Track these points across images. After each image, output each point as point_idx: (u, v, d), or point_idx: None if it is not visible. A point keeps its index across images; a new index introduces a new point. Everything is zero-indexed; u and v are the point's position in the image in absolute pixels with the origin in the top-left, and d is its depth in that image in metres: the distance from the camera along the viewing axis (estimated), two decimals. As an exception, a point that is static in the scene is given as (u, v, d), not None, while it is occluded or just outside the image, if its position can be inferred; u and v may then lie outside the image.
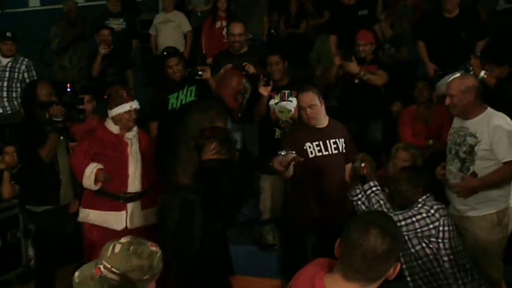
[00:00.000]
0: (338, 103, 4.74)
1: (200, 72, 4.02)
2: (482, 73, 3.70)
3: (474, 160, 3.01)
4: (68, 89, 4.07)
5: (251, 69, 4.10)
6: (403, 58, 5.72)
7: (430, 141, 4.20)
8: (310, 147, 3.40)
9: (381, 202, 2.89)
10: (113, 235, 2.94)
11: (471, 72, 3.96)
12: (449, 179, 3.15)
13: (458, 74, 4.11)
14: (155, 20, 6.09)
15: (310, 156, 3.40)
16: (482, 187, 3.01)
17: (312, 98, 3.36)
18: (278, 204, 3.98)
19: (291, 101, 4.04)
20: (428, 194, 2.93)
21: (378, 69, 4.43)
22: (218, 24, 5.65)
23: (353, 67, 4.25)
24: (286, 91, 4.06)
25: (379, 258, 1.43)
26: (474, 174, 3.03)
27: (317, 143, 3.41)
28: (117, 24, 5.88)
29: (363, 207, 3.03)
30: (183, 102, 4.13)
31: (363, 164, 2.99)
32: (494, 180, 2.99)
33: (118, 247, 1.69)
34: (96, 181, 3.24)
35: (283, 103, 4.05)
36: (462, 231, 3.11)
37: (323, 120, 3.48)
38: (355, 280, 1.46)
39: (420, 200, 2.90)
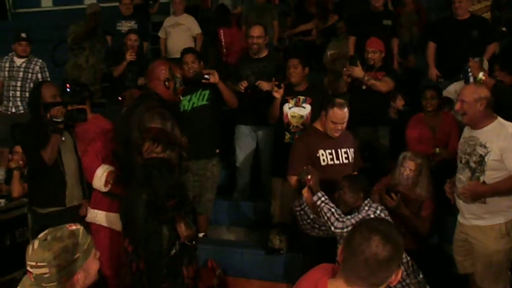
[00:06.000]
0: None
1: (206, 76, 4.01)
2: (481, 74, 3.70)
3: (484, 170, 3.00)
4: (68, 89, 4.10)
5: (264, 86, 4.19)
6: (411, 66, 5.72)
7: (437, 149, 4.19)
8: (323, 154, 3.47)
9: (332, 210, 3.03)
10: (120, 237, 2.98)
11: (470, 74, 3.97)
12: (459, 188, 3.15)
13: (462, 82, 4.16)
14: (165, 23, 6.14)
15: (322, 163, 3.46)
16: (489, 194, 3.01)
17: (347, 116, 3.44)
18: (288, 209, 3.99)
19: (305, 108, 4.08)
20: (368, 199, 3.12)
21: (385, 76, 4.46)
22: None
23: (357, 71, 4.29)
24: (302, 97, 4.09)
25: (380, 265, 1.46)
26: (483, 184, 3.02)
27: (330, 151, 3.49)
28: (129, 26, 5.92)
29: (305, 216, 3.21)
30: (195, 105, 4.15)
31: (309, 176, 3.12)
32: (502, 189, 2.99)
33: (36, 243, 1.71)
34: (106, 183, 3.27)
35: (296, 108, 4.08)
36: (470, 240, 3.14)
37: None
38: (357, 286, 1.50)
39: (363, 204, 3.07)
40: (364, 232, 1.49)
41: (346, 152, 3.52)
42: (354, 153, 3.58)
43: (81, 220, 3.53)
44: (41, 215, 3.55)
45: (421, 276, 3.10)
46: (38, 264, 1.68)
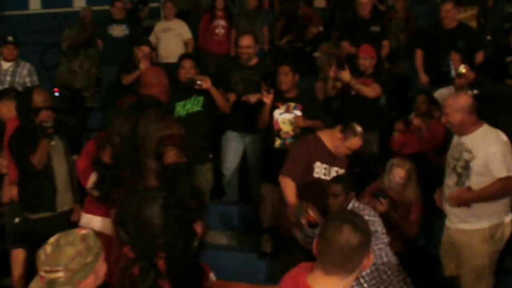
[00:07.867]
0: (336, 114, 4.82)
1: (198, 82, 4.02)
2: (462, 67, 3.77)
3: (470, 175, 3.08)
4: (56, 94, 4.07)
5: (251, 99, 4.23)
6: (399, 72, 5.81)
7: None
8: (318, 167, 3.54)
9: None
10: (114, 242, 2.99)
11: (452, 67, 4.04)
12: (446, 192, 3.23)
13: (452, 88, 4.27)
14: (155, 27, 6.13)
15: (315, 175, 3.53)
16: (475, 200, 3.09)
17: (361, 144, 3.52)
18: (278, 213, 4.02)
19: (295, 114, 4.12)
20: (353, 201, 3.27)
21: (373, 82, 4.52)
22: (216, 22, 5.88)
23: (345, 75, 4.33)
24: (292, 104, 4.13)
25: (354, 250, 1.58)
26: (469, 189, 3.10)
27: (325, 166, 3.56)
28: (120, 30, 5.92)
29: (310, 240, 3.23)
30: (189, 111, 4.16)
31: (311, 213, 3.22)
32: (488, 194, 3.06)
33: (49, 248, 1.73)
34: None
35: (287, 114, 4.12)
36: (456, 243, 3.21)
37: None
38: (334, 273, 1.60)
39: (356, 205, 3.21)
40: (335, 224, 1.61)
41: (337, 171, 3.59)
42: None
43: (73, 225, 3.52)
44: (31, 221, 3.53)
45: (408, 277, 3.18)
46: (53, 269, 1.70)
